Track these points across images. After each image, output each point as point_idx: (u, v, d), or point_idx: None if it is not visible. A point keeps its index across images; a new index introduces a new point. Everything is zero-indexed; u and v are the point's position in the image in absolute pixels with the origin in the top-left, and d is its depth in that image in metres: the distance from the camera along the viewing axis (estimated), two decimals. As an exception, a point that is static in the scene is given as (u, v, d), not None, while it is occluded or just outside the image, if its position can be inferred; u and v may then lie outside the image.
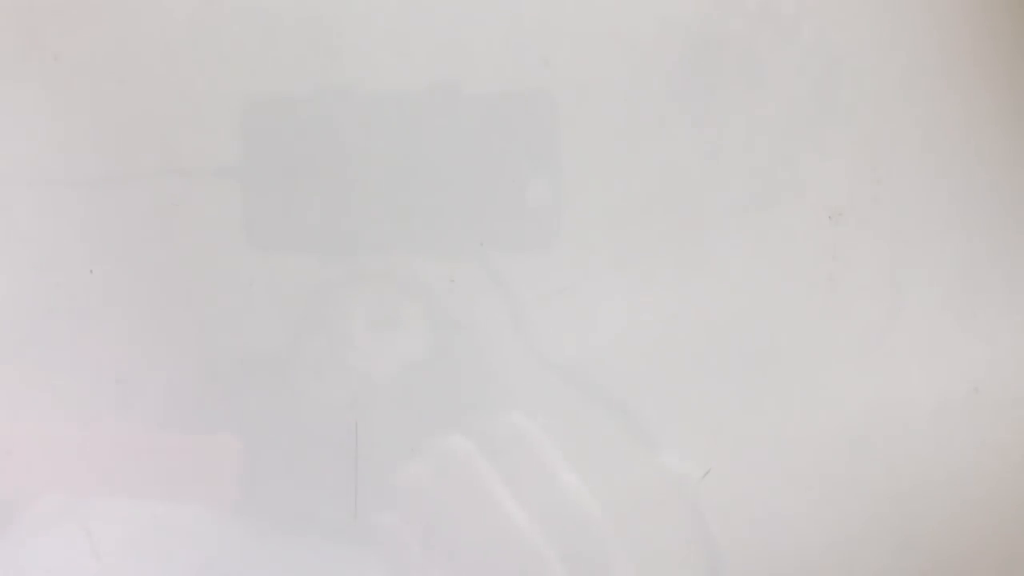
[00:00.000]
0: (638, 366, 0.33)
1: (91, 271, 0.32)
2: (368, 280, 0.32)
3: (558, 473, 0.33)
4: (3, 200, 0.31)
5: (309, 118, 0.32)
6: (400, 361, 0.33)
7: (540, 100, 0.32)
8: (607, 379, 0.33)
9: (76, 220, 0.31)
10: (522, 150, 0.32)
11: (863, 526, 0.34)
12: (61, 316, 0.32)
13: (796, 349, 0.33)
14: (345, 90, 0.32)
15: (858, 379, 0.34)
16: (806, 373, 0.33)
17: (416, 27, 0.32)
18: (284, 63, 0.32)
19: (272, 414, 0.32)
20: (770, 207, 0.33)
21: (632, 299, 0.33)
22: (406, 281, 0.32)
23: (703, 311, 0.33)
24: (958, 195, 0.34)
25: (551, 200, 0.32)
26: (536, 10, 0.32)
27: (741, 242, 0.33)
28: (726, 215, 0.33)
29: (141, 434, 0.32)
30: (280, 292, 0.32)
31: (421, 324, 0.33)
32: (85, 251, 0.31)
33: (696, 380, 0.33)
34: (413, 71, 0.32)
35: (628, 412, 0.33)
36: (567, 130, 0.32)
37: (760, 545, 0.34)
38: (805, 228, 0.33)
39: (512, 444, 0.33)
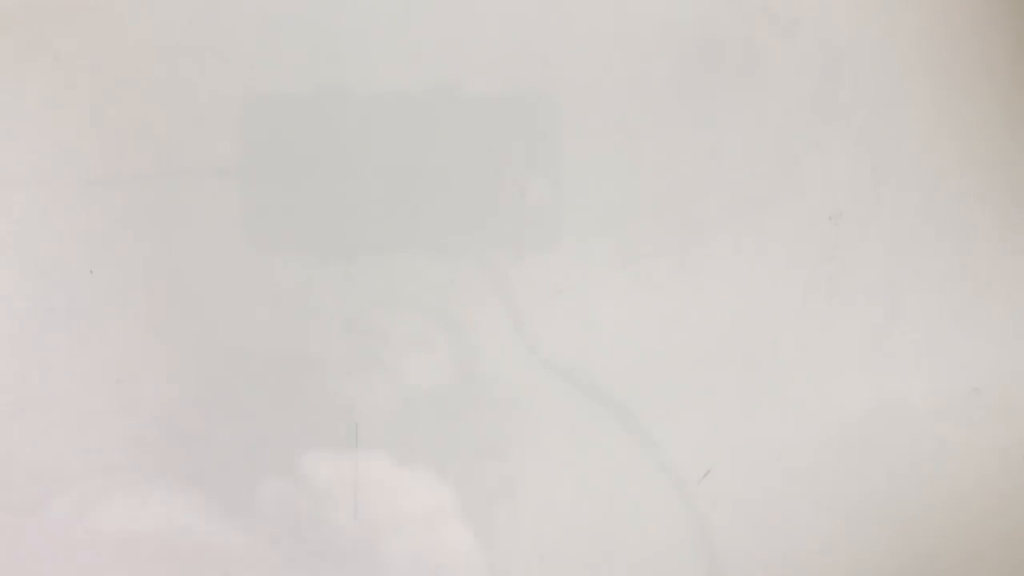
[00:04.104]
0: (638, 366, 0.33)
1: (91, 271, 0.32)
2: (368, 280, 0.32)
3: (557, 471, 0.33)
4: (3, 200, 0.31)
5: (309, 118, 0.32)
6: (399, 362, 0.33)
7: (540, 100, 0.32)
8: (607, 379, 0.33)
9: (76, 220, 0.31)
10: (522, 150, 0.32)
11: (863, 526, 0.34)
12: (61, 316, 0.32)
13: (796, 349, 0.33)
14: (345, 90, 0.32)
15: (858, 379, 0.34)
16: (806, 373, 0.33)
17: (416, 27, 0.32)
18: (284, 63, 0.32)
19: (272, 414, 0.32)
20: (770, 207, 0.33)
21: (632, 299, 0.33)
22: (406, 281, 0.32)
23: (703, 311, 0.33)
24: (958, 196, 0.34)
25: (551, 200, 0.32)
26: (536, 10, 0.32)
27: (741, 242, 0.33)
28: (726, 215, 0.33)
29: (141, 434, 0.32)
30: (280, 292, 0.32)
31: (421, 324, 0.33)
32: (85, 251, 0.31)
33: (696, 380, 0.33)
34: (413, 71, 0.32)
35: (628, 412, 0.33)
36: (567, 130, 0.32)
37: (760, 545, 0.34)
38: (805, 228, 0.33)
39: (515, 442, 0.33)
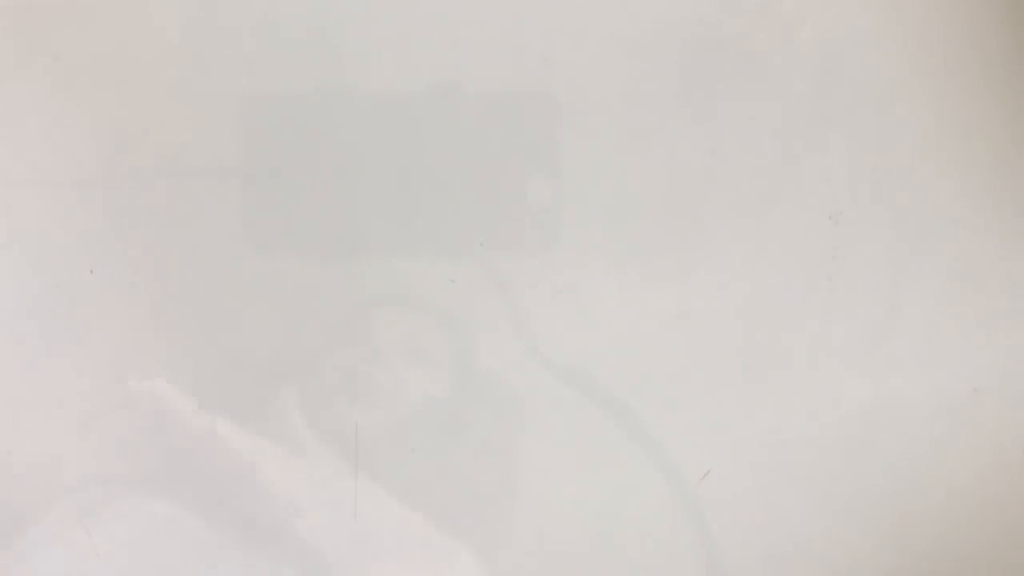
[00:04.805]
0: (638, 366, 0.33)
1: (91, 271, 0.32)
2: (368, 280, 0.32)
3: (557, 471, 0.33)
4: (3, 200, 0.31)
5: (309, 118, 0.32)
6: (400, 361, 0.33)
7: (540, 100, 0.32)
8: (607, 379, 0.33)
9: (76, 220, 0.31)
10: (522, 150, 0.32)
11: (862, 526, 0.34)
12: (61, 316, 0.32)
13: (796, 349, 0.33)
14: (345, 90, 0.32)
15: (858, 379, 0.34)
16: (806, 373, 0.33)
17: (416, 27, 0.32)
18: (284, 63, 0.32)
19: (272, 414, 0.32)
20: (770, 207, 0.33)
21: (632, 299, 0.33)
22: (406, 281, 0.32)
23: (703, 311, 0.33)
24: (958, 195, 0.34)
25: (551, 200, 0.32)
26: (536, 10, 0.32)
27: (741, 242, 0.33)
28: (726, 215, 0.33)
29: (141, 434, 0.32)
30: (280, 292, 0.32)
31: (421, 324, 0.33)
32: (85, 251, 0.32)
33: (696, 380, 0.33)
34: (413, 71, 0.32)
35: (628, 412, 0.33)
36: (567, 130, 0.32)
37: (760, 545, 0.34)
38: (805, 228, 0.33)
39: (515, 442, 0.33)
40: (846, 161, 0.33)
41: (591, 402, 0.33)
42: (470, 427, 0.33)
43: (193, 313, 0.32)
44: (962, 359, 0.34)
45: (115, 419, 0.32)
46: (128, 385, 0.32)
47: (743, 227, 0.33)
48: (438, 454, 0.33)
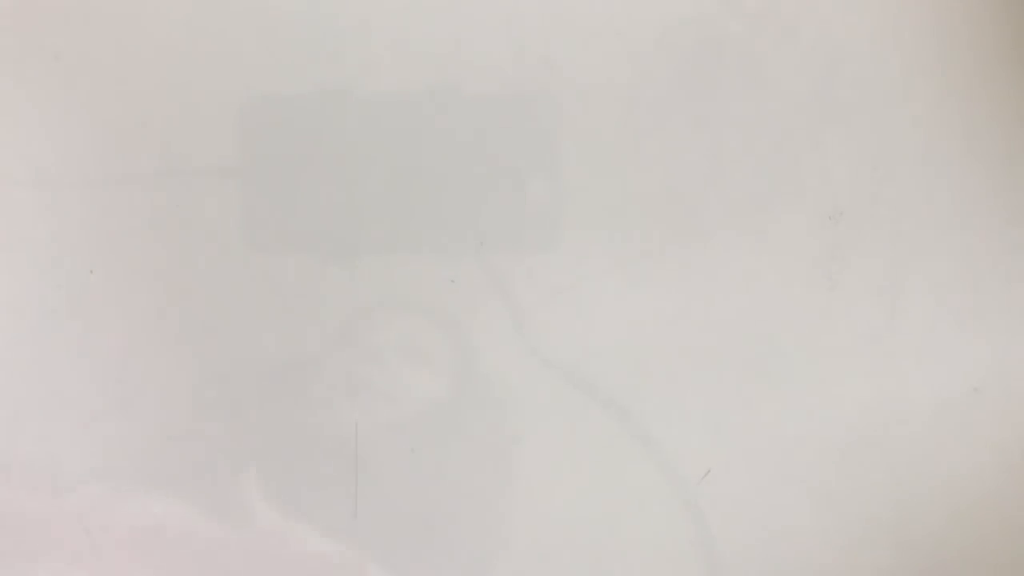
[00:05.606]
0: (638, 366, 0.33)
1: (91, 271, 0.32)
2: (368, 280, 0.32)
3: (557, 471, 0.33)
4: (3, 200, 0.31)
5: (309, 118, 0.32)
6: (400, 361, 0.33)
7: (540, 100, 0.32)
8: (607, 379, 0.33)
9: (76, 220, 0.31)
10: (522, 150, 0.32)
11: (862, 526, 0.34)
12: (61, 316, 0.32)
13: (796, 349, 0.33)
14: (345, 90, 0.32)
15: (858, 379, 0.34)
16: (806, 373, 0.33)
17: (416, 27, 0.32)
18: (284, 63, 0.32)
19: (272, 414, 0.32)
20: (770, 207, 0.33)
21: (632, 299, 0.33)
22: (406, 281, 0.32)
23: (703, 311, 0.33)
24: (958, 195, 0.34)
25: (551, 200, 0.32)
26: (536, 10, 0.32)
27: (741, 242, 0.33)
28: (726, 215, 0.33)
29: (141, 434, 0.32)
30: (280, 292, 0.32)
31: (421, 324, 0.33)
32: (85, 251, 0.32)
33: (696, 380, 0.33)
34: (413, 71, 0.32)
35: (628, 412, 0.33)
36: (567, 130, 0.32)
37: (760, 545, 0.34)
38: (805, 228, 0.33)
39: (515, 442, 0.33)
40: (846, 161, 0.33)
41: (591, 402, 0.33)
42: (470, 427, 0.33)
43: (193, 313, 0.32)
44: (962, 359, 0.34)
45: (115, 419, 0.32)
46: (128, 385, 0.32)
47: (743, 227, 0.33)
48: (438, 454, 0.33)
